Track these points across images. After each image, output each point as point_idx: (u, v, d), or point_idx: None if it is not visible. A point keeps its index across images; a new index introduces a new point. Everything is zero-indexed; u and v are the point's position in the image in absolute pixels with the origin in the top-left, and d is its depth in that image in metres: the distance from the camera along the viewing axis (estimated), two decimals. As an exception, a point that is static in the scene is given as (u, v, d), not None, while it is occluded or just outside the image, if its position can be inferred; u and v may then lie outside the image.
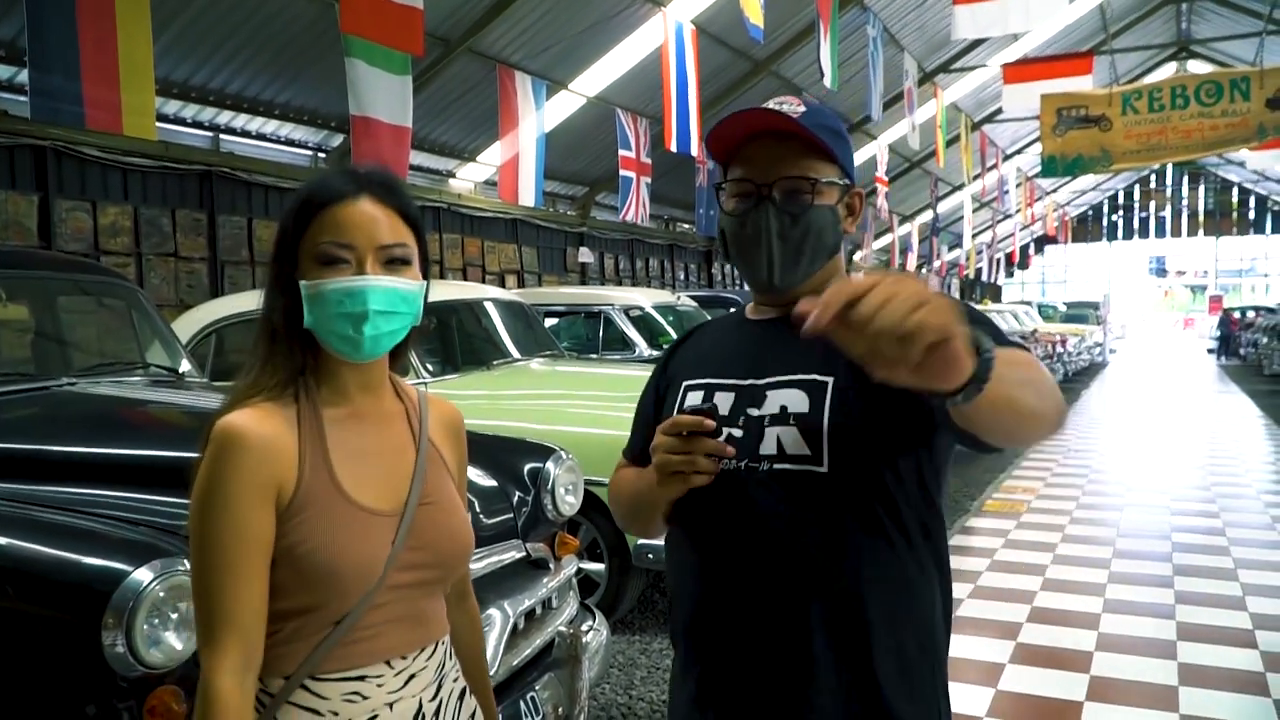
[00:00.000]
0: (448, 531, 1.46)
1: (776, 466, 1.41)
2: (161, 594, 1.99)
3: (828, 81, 12.39)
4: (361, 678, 1.37)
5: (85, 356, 3.85)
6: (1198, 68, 23.58)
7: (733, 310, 1.72)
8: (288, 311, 1.38)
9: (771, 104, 1.49)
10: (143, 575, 1.98)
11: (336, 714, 1.35)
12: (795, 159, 1.47)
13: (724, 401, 1.48)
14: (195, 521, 1.31)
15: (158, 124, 9.64)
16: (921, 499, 1.43)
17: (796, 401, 1.43)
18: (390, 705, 1.38)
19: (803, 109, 1.47)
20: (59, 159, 8.66)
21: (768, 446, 1.43)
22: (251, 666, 1.31)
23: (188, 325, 5.61)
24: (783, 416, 1.43)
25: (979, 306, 21.16)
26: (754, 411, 1.46)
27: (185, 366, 3.91)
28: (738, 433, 1.45)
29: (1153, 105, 13.99)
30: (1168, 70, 24.84)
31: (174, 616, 2.00)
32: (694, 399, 1.53)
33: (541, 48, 12.04)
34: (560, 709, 2.95)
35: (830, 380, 1.41)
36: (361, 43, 6.96)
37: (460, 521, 1.49)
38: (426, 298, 1.45)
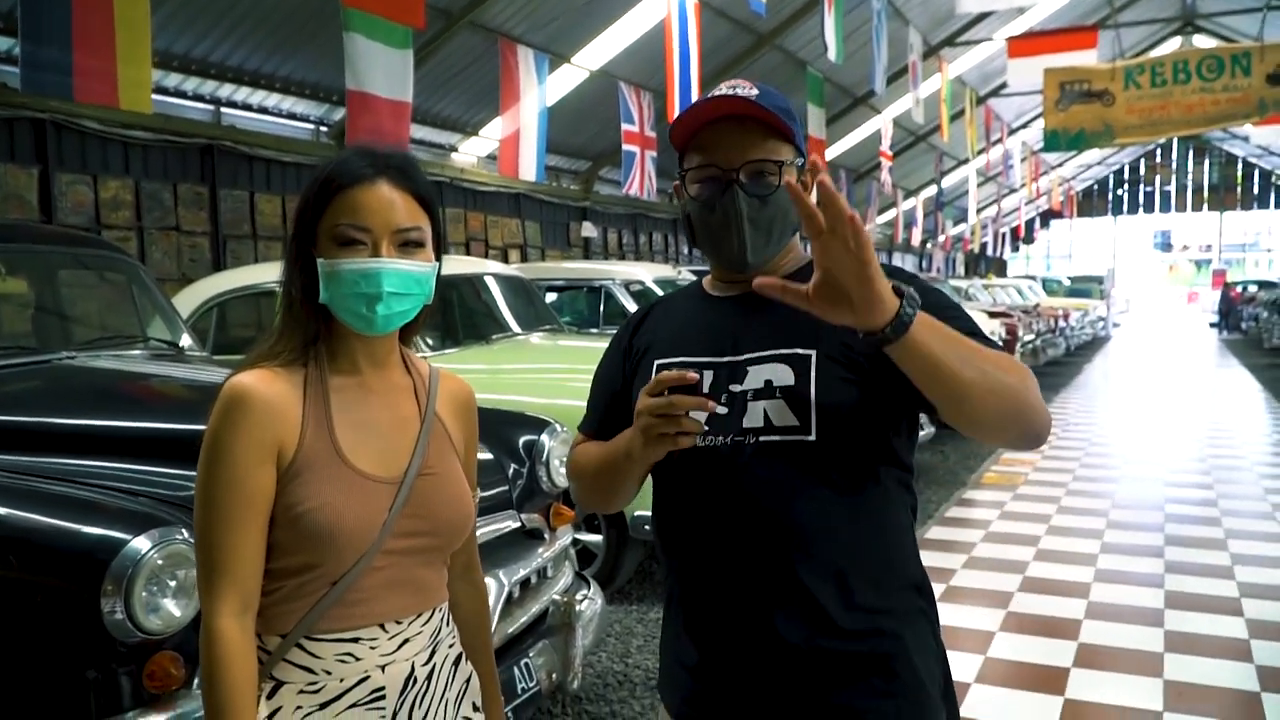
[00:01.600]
0: (447, 502, 1.51)
1: (763, 439, 1.45)
2: (160, 562, 2.04)
3: (832, 55, 12.36)
4: (356, 639, 1.42)
5: (85, 330, 3.89)
6: (1203, 42, 23.41)
7: (688, 284, 1.75)
8: (305, 286, 1.44)
9: (723, 89, 1.52)
10: (141, 544, 2.03)
11: (330, 673, 1.40)
12: (758, 142, 1.50)
13: (704, 379, 1.49)
14: (200, 473, 1.38)
15: (159, 97, 9.69)
16: (898, 455, 1.51)
17: (781, 375, 1.46)
18: (382, 668, 1.43)
19: (755, 91, 1.50)
20: (59, 132, 8.68)
21: (752, 420, 1.46)
22: (249, 610, 1.37)
23: (189, 299, 5.66)
24: (768, 390, 1.46)
25: (983, 281, 21.15)
26: (736, 387, 1.49)
27: (185, 340, 3.95)
28: (721, 409, 1.47)
29: (1155, 80, 13.96)
30: (1173, 44, 24.67)
31: (172, 584, 2.06)
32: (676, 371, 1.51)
33: (544, 21, 12.01)
34: (554, 675, 3.02)
35: (814, 352, 1.46)
36: (362, 16, 6.95)
37: (460, 494, 1.54)
38: (439, 277, 1.50)
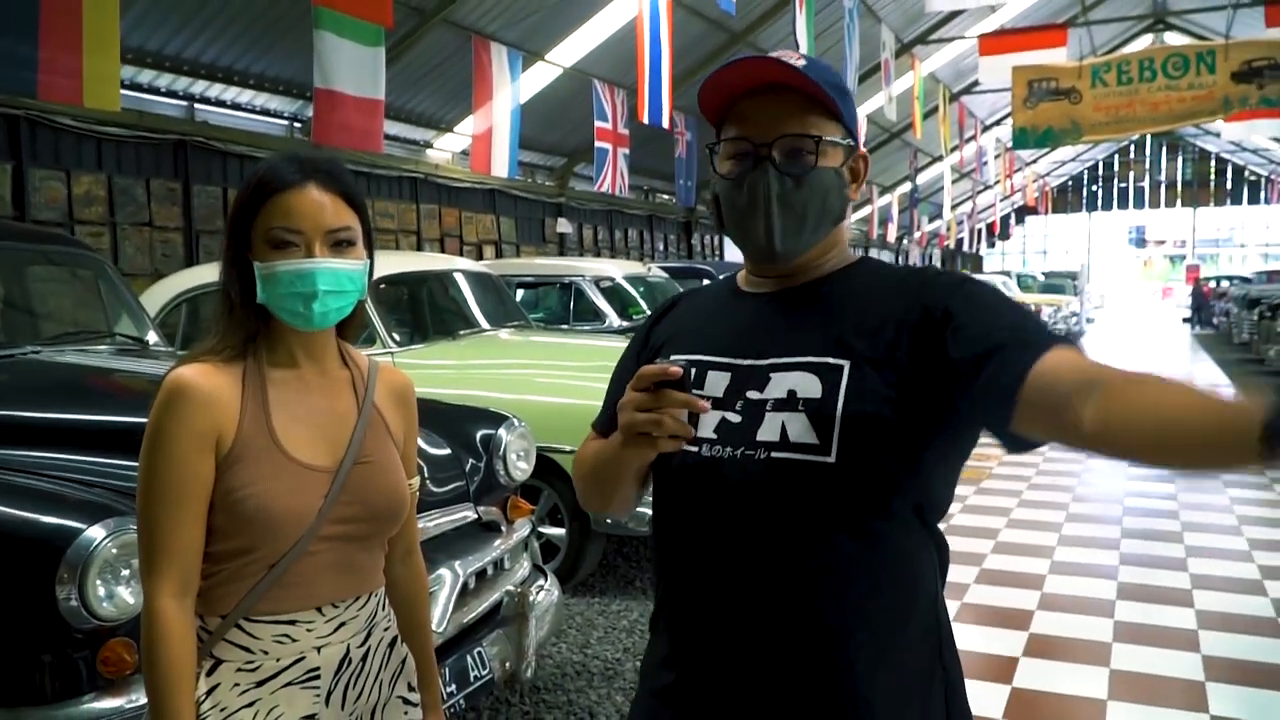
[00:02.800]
0: (382, 490, 1.58)
1: (775, 455, 1.28)
2: (114, 551, 2.11)
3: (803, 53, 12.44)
4: (292, 622, 1.49)
5: (51, 326, 3.94)
6: (1174, 39, 23.66)
7: (722, 278, 1.57)
8: (243, 287, 1.51)
9: (770, 56, 1.36)
10: (95, 533, 2.10)
11: (267, 653, 1.47)
12: (797, 116, 1.34)
13: (719, 382, 1.36)
14: (142, 461, 1.45)
15: (133, 94, 9.70)
16: (929, 487, 1.32)
17: (806, 386, 1.29)
18: (318, 649, 1.50)
19: (803, 61, 1.33)
20: (32, 128, 8.67)
21: (767, 433, 1.29)
22: (189, 592, 1.44)
23: (159, 295, 5.70)
24: (790, 402, 1.29)
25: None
26: (754, 395, 1.33)
27: (151, 336, 4.00)
28: (735, 418, 1.33)
29: (1121, 78, 14.14)
30: (1144, 42, 24.92)
31: (125, 573, 2.13)
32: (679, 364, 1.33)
33: (518, 18, 12.06)
34: (508, 663, 3.09)
35: (846, 363, 1.29)
36: (331, 14, 6.98)
37: (395, 482, 1.61)
38: (371, 273, 1.58)
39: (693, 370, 1.34)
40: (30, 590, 2.08)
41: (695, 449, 1.33)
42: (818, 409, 1.27)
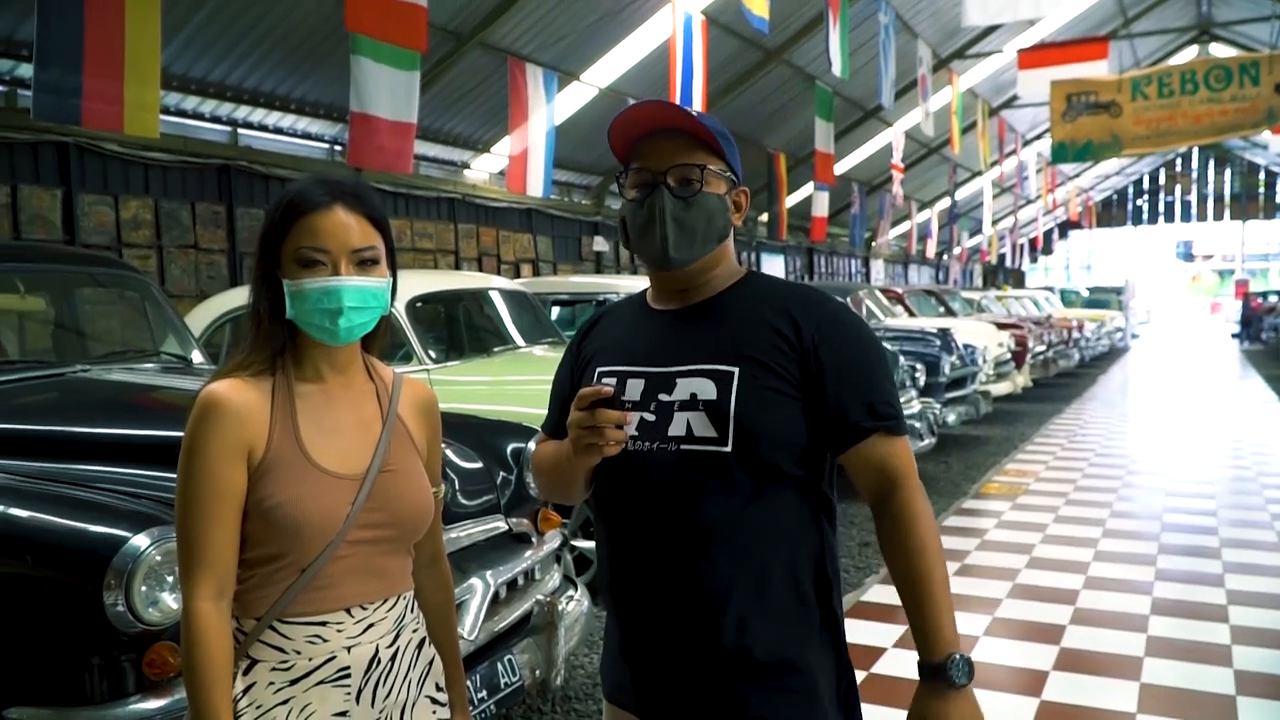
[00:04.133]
0: (407, 497, 1.65)
1: (684, 447, 1.59)
2: (158, 558, 2.21)
3: (837, 70, 12.49)
4: (324, 623, 1.57)
5: (100, 345, 4.09)
6: (1219, 51, 23.37)
7: (631, 295, 1.87)
8: (272, 303, 1.60)
9: (666, 102, 1.69)
10: (140, 541, 2.20)
11: (300, 653, 1.55)
12: (687, 150, 1.64)
13: (636, 387, 1.65)
14: (179, 473, 1.54)
15: (177, 119, 9.96)
16: (812, 460, 1.63)
17: (705, 389, 1.59)
18: (348, 649, 1.58)
19: (695, 111, 1.66)
20: (81, 154, 8.95)
21: (676, 429, 1.60)
22: (225, 595, 1.52)
23: (203, 315, 5.85)
24: (692, 403, 1.60)
25: (997, 292, 21.14)
26: (665, 397, 1.62)
27: (196, 355, 4.13)
28: (650, 416, 1.62)
29: (1162, 91, 14.02)
30: (1189, 54, 24.63)
31: (169, 579, 2.22)
32: (609, 384, 1.68)
33: (553, 40, 12.23)
34: (538, 671, 3.16)
35: (736, 370, 1.59)
36: (368, 41, 7.15)
37: (420, 489, 1.69)
38: (395, 291, 1.67)
39: (614, 380, 1.67)
40: (79, 596, 2.18)
41: (625, 444, 1.62)
42: (714, 407, 1.58)
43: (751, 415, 1.56)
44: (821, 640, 1.64)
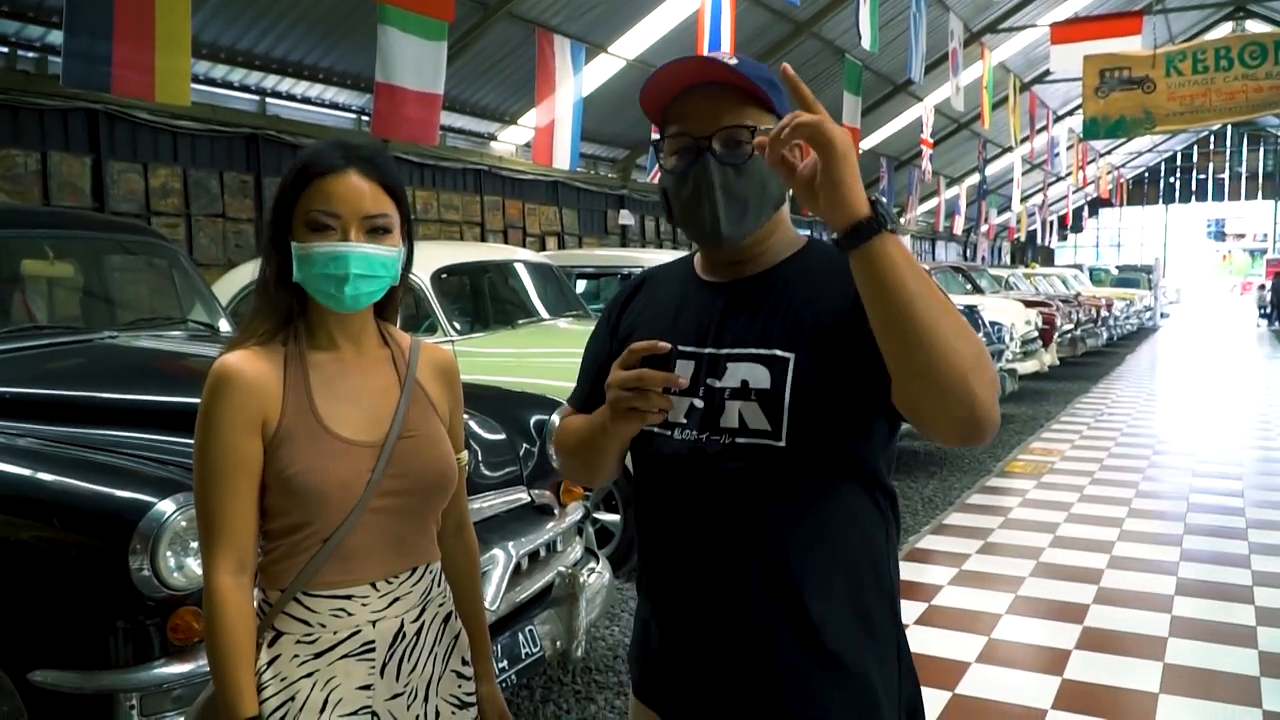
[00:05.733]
0: (428, 462, 1.64)
1: (738, 440, 1.42)
2: (183, 524, 2.23)
3: (866, 43, 12.36)
4: (349, 596, 1.56)
5: (128, 312, 4.11)
6: (1255, 28, 22.94)
7: (679, 259, 1.68)
8: (280, 267, 1.58)
9: (705, 56, 1.48)
10: (166, 506, 2.22)
11: (324, 625, 1.55)
12: (733, 108, 1.43)
13: (684, 369, 1.47)
14: (195, 446, 1.54)
15: (207, 88, 9.98)
16: (874, 473, 1.46)
17: (758, 377, 1.42)
18: (373, 623, 1.57)
19: (735, 60, 1.44)
20: (111, 122, 8.98)
21: (729, 420, 1.43)
22: (245, 568, 1.52)
23: (231, 284, 5.89)
24: (744, 391, 1.43)
25: (1025, 269, 20.94)
26: (714, 383, 1.46)
27: (224, 324, 4.15)
28: (699, 403, 1.46)
29: (1196, 67, 13.75)
30: (1224, 30, 24.17)
31: (194, 544, 2.24)
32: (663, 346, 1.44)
33: (580, 10, 12.14)
34: (559, 642, 3.18)
35: (792, 356, 1.41)
36: (395, 11, 7.13)
37: (442, 453, 1.66)
38: (410, 261, 1.65)
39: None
40: (105, 560, 2.21)
41: (669, 433, 1.49)
42: (768, 398, 1.41)
43: (809, 408, 1.39)
44: (884, 649, 1.48)
